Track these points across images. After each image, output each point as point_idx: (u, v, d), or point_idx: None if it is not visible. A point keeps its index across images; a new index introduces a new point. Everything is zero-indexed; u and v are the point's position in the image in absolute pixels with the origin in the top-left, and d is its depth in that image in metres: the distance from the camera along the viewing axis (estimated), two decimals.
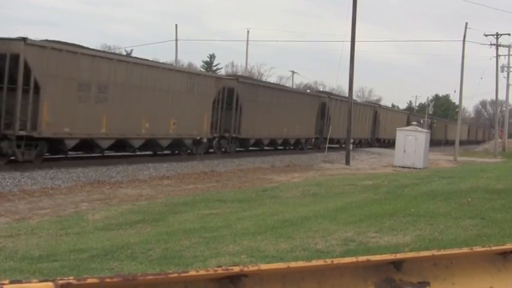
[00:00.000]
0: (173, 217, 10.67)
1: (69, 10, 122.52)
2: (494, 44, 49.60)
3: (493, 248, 2.84)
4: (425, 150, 29.68)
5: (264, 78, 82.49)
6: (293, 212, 10.64)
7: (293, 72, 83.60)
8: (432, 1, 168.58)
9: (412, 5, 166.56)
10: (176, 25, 54.62)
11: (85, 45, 19.53)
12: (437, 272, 2.60)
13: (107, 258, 6.92)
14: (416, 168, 27.06)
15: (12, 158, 16.66)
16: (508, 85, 58.07)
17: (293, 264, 2.22)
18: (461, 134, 67.03)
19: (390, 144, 45.80)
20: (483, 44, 50.45)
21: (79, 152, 19.80)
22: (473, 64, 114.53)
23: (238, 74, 42.58)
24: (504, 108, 72.87)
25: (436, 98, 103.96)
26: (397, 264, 2.49)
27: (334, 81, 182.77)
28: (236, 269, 2.07)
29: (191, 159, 23.05)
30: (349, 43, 30.03)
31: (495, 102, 59.33)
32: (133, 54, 66.51)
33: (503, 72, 55.96)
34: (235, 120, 26.92)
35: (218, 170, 22.18)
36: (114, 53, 29.92)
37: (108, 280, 1.77)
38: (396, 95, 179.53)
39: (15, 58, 15.88)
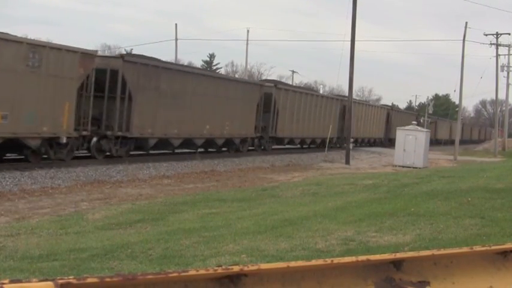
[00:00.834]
0: (173, 216, 10.67)
1: (68, 9, 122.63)
2: (494, 44, 49.63)
3: (493, 247, 2.84)
4: (425, 150, 29.69)
5: (264, 78, 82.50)
6: (293, 212, 10.64)
7: (293, 71, 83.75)
8: (432, 0, 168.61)
9: (412, 4, 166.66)
10: (176, 24, 54.77)
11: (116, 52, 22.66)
12: (437, 271, 2.61)
13: (106, 258, 6.92)
14: (416, 168, 27.07)
15: (108, 153, 20.20)
16: (508, 84, 58.16)
17: (293, 264, 2.22)
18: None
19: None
20: (483, 44, 50.54)
21: (154, 150, 23.01)
22: (473, 63, 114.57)
23: (275, 80, 43.68)
24: (504, 108, 72.91)
25: (436, 97, 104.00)
26: (397, 264, 2.49)
27: (334, 80, 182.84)
28: (236, 268, 2.07)
29: (191, 159, 23.07)
30: (349, 42, 30.05)
31: (495, 102, 59.34)
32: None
33: (503, 71, 56.06)
34: (273, 121, 30.41)
35: (218, 169, 22.18)
36: (184, 65, 34.46)
37: (108, 279, 1.77)
38: (396, 94, 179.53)
39: (114, 73, 19.51)
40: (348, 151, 29.90)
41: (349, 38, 30.10)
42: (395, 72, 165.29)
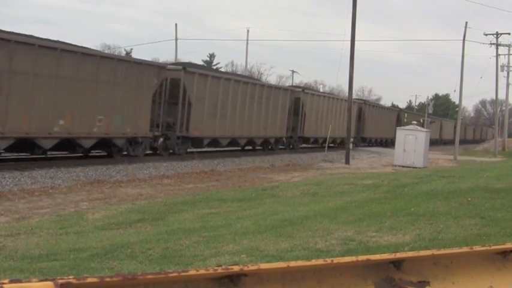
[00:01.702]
0: (173, 216, 10.67)
1: (68, 9, 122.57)
2: (494, 44, 49.63)
3: (493, 247, 2.84)
4: (425, 150, 29.68)
5: (264, 78, 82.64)
6: (293, 212, 10.64)
7: (293, 71, 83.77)
8: (432, 0, 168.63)
9: (412, 4, 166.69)
10: (176, 24, 54.78)
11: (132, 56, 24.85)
12: (437, 271, 2.61)
13: (106, 258, 6.92)
14: (416, 168, 27.07)
15: (171, 151, 23.64)
16: (508, 84, 58.16)
17: (293, 264, 2.22)
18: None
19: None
20: (483, 44, 50.55)
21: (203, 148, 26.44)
22: (473, 63, 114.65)
23: (302, 86, 48.94)
24: (504, 108, 72.91)
25: (436, 97, 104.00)
26: (397, 264, 2.49)
27: (334, 80, 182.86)
28: (236, 268, 2.07)
29: (191, 159, 23.09)
30: (349, 42, 30.06)
31: (495, 102, 59.34)
32: (133, 54, 66.51)
33: (503, 71, 56.08)
34: (301, 123, 33.96)
35: (218, 169, 22.19)
36: (229, 73, 38.83)
37: (108, 279, 1.77)
38: (396, 94, 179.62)
39: (176, 82, 22.87)
40: (348, 151, 29.90)
41: (349, 37, 30.14)
42: (395, 72, 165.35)
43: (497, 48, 50.45)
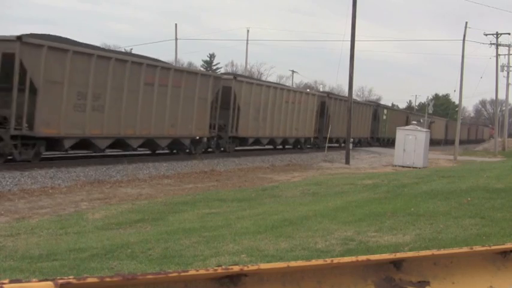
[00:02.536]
0: (173, 216, 10.67)
1: (68, 8, 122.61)
2: (494, 44, 49.65)
3: (493, 247, 2.84)
4: (425, 150, 29.67)
5: (264, 78, 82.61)
6: (293, 211, 10.64)
7: (293, 71, 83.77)
8: (433, 0, 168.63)
9: (412, 3, 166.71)
10: (176, 24, 54.83)
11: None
12: (437, 271, 2.61)
13: (106, 258, 6.92)
14: (416, 168, 27.06)
15: (222, 149, 27.11)
16: (508, 84, 58.17)
17: (293, 264, 2.22)
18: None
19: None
20: (483, 43, 50.67)
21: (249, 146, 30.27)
22: (473, 63, 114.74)
23: (327, 91, 50.92)
24: (504, 108, 72.89)
25: (436, 97, 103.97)
26: (397, 264, 2.49)
27: (334, 80, 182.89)
28: (236, 268, 2.07)
29: (191, 159, 23.12)
30: (349, 42, 30.05)
31: (495, 102, 59.35)
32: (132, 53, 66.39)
33: (503, 71, 56.10)
34: (325, 124, 37.16)
35: (218, 169, 22.18)
36: (270, 82, 39.92)
37: (108, 279, 1.77)
38: (396, 94, 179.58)
39: (228, 89, 26.30)
40: (348, 151, 29.89)
41: (349, 37, 30.15)
42: (395, 72, 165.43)
43: (497, 48, 50.50)
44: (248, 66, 74.59)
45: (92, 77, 18.40)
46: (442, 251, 2.65)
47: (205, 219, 10.13)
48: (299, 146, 35.03)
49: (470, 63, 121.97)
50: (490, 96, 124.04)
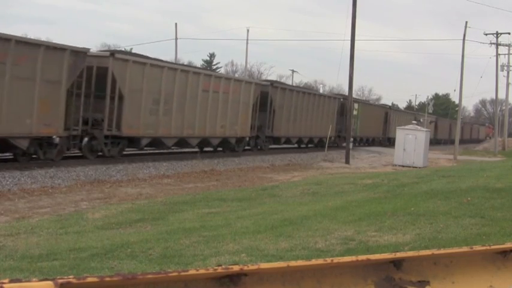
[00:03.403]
0: (173, 216, 10.67)
1: (68, 8, 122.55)
2: (494, 43, 49.65)
3: (493, 247, 2.84)
4: (425, 149, 29.68)
5: (263, 77, 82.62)
6: (293, 211, 10.64)
7: (293, 71, 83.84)
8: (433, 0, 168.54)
9: (412, 3, 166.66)
10: (176, 24, 54.87)
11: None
12: (437, 271, 2.61)
13: (106, 257, 6.92)
14: (416, 167, 27.06)
15: (259, 147, 30.55)
16: (508, 84, 58.18)
17: (293, 263, 2.22)
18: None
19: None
20: (483, 43, 50.62)
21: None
22: (473, 63, 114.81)
23: (343, 94, 52.01)
24: (504, 107, 72.86)
25: (436, 97, 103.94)
26: (396, 263, 2.49)
27: (334, 80, 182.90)
28: (236, 268, 2.07)
29: (191, 158, 23.13)
30: (349, 42, 30.05)
31: (495, 101, 59.34)
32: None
33: (503, 71, 56.12)
34: (345, 124, 38.73)
35: (218, 169, 22.18)
36: (301, 87, 45.45)
37: (108, 279, 1.76)
38: (396, 94, 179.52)
39: (266, 94, 29.71)
40: (348, 151, 29.89)
41: (349, 37, 30.16)
42: (395, 72, 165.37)
43: (497, 48, 50.52)
44: (248, 66, 74.63)
45: (163, 86, 21.89)
46: (442, 251, 2.65)
47: (205, 219, 10.13)
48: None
49: (470, 62, 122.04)
50: (490, 95, 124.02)
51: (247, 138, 29.14)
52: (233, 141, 27.53)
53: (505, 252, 2.81)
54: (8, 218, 10.78)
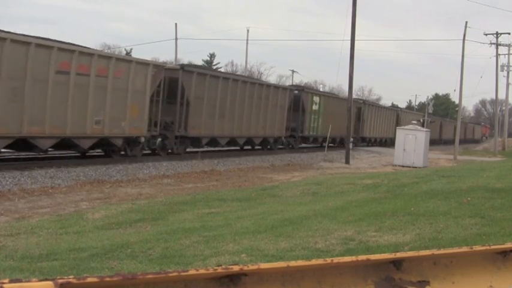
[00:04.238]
0: (173, 216, 10.66)
1: (68, 8, 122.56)
2: (494, 43, 49.67)
3: (493, 247, 2.84)
4: (425, 149, 29.67)
5: (264, 77, 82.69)
6: (293, 211, 10.64)
7: (293, 71, 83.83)
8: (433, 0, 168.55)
9: (412, 3, 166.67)
10: (176, 24, 54.85)
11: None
12: (437, 271, 2.61)
13: (106, 257, 6.92)
14: (416, 167, 27.06)
15: (290, 146, 33.86)
16: (508, 84, 58.21)
17: (293, 263, 2.22)
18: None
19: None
20: (483, 43, 50.69)
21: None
22: (473, 63, 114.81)
23: (361, 98, 57.15)
24: (504, 107, 72.87)
25: (436, 97, 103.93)
26: (396, 263, 2.49)
27: (335, 80, 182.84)
28: (236, 268, 2.07)
29: (191, 158, 23.14)
30: (349, 41, 30.04)
31: (495, 101, 59.35)
32: (132, 53, 66.49)
33: (503, 71, 56.17)
34: (361, 126, 44.41)
35: (218, 169, 22.18)
36: (328, 93, 47.18)
37: (108, 279, 1.76)
38: (396, 94, 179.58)
39: (298, 98, 33.89)
40: (348, 151, 29.88)
41: (349, 37, 30.15)
42: (395, 72, 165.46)
43: (497, 48, 50.54)
44: (248, 66, 74.62)
45: (219, 93, 25.60)
46: (442, 251, 2.65)
47: (205, 219, 10.13)
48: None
49: (470, 63, 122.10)
50: (490, 96, 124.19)
51: (283, 138, 32.83)
52: (272, 140, 31.60)
53: (505, 252, 2.81)
54: (8, 218, 10.77)
